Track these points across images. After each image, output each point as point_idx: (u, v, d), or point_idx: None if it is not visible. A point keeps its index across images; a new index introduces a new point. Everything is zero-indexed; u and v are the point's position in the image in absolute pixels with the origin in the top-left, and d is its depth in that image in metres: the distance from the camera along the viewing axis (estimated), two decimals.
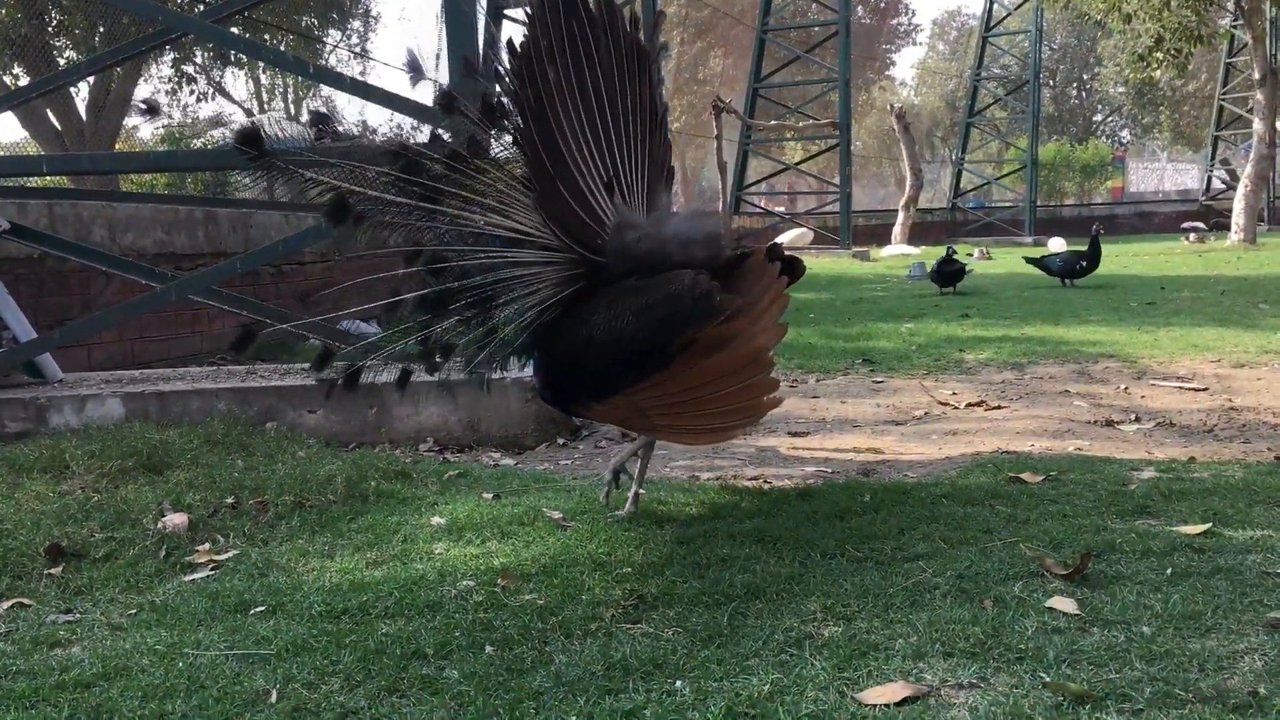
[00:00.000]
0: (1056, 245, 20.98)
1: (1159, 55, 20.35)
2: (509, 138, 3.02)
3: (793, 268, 2.85)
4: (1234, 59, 28.07)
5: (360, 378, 3.11)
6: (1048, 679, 1.92)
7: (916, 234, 23.77)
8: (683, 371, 2.71)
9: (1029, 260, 12.71)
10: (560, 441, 4.75)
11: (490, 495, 3.53)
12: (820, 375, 6.50)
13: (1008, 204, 30.81)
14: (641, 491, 3.32)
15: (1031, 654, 2.04)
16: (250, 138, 2.81)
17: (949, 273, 11.37)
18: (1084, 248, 12.00)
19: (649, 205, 3.07)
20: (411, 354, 3.05)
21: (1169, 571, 2.47)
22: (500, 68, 3.01)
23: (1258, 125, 20.39)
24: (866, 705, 1.86)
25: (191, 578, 2.81)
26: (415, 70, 3.10)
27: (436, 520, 3.23)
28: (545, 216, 2.92)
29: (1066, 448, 4.23)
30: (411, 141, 3.01)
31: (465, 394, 4.73)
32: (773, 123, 24.56)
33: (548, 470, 4.14)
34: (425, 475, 3.86)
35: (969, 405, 5.34)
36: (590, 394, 2.96)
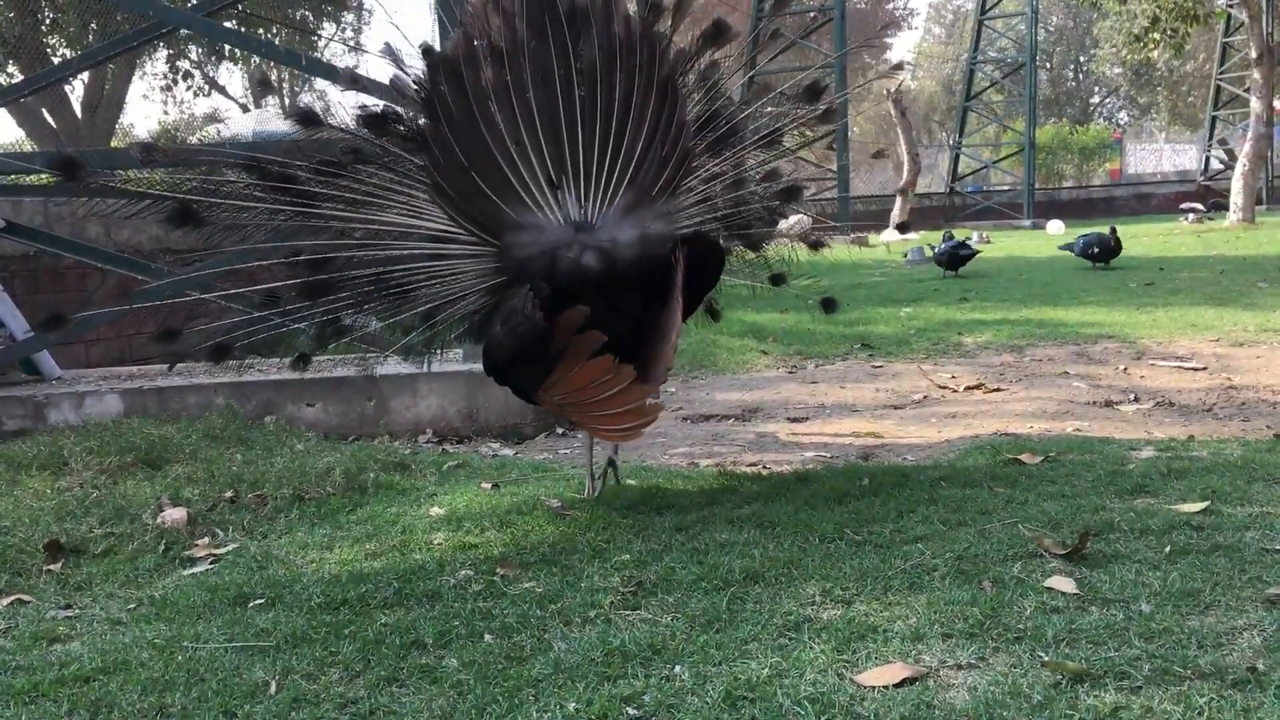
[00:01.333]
0: (1055, 228, 20.94)
1: (1155, 36, 20.27)
2: (405, 141, 3.06)
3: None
4: (1231, 38, 27.94)
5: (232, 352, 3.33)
6: (1046, 658, 1.91)
7: (915, 219, 23.71)
8: (561, 377, 2.81)
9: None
10: (559, 431, 4.75)
11: (489, 485, 3.53)
12: (819, 361, 6.50)
13: (1006, 187, 30.73)
14: (598, 483, 3.42)
15: (1030, 634, 2.04)
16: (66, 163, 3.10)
17: (963, 256, 11.37)
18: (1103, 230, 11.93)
19: (631, 204, 3.01)
20: (299, 332, 3.24)
21: (1167, 549, 2.46)
22: (407, 75, 3.07)
23: (1255, 104, 20.30)
24: (865, 687, 1.86)
25: (190, 571, 2.81)
26: (396, 61, 3.12)
27: (435, 511, 3.23)
28: (453, 214, 2.99)
29: (1065, 429, 4.23)
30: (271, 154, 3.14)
31: (464, 385, 4.73)
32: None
33: (547, 460, 4.14)
34: (424, 466, 3.85)
35: (968, 388, 5.34)
36: (524, 387, 3.08)
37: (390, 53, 3.10)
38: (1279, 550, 2.42)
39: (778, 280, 3.74)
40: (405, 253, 3.07)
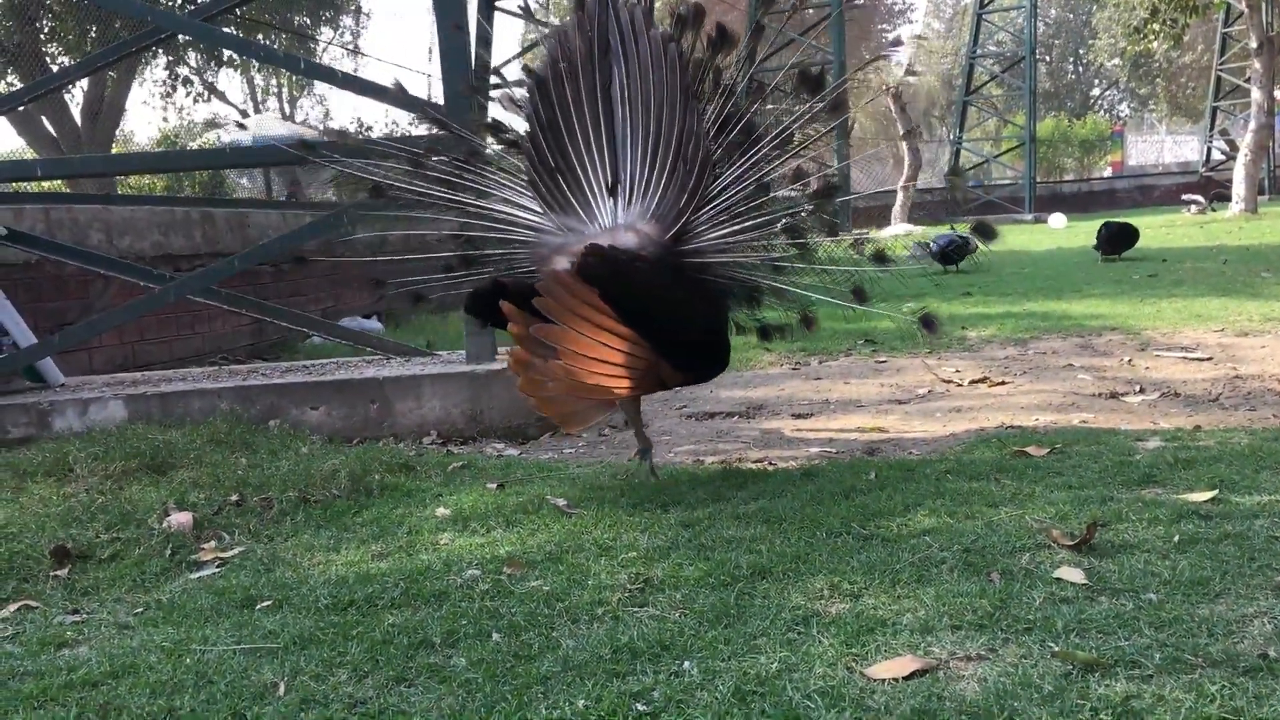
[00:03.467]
0: (1057, 222, 20.93)
1: (1155, 27, 20.27)
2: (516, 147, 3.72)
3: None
4: (1230, 29, 27.92)
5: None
6: (1056, 648, 1.91)
7: (917, 213, 23.70)
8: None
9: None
10: (564, 430, 4.75)
11: (494, 485, 3.53)
12: (823, 357, 6.49)
13: (1007, 181, 30.72)
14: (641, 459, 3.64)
15: (1040, 624, 2.03)
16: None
17: (958, 251, 11.33)
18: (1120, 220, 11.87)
19: (660, 207, 3.31)
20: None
21: (1176, 539, 2.45)
22: (513, 94, 3.82)
23: (1256, 94, 20.30)
24: (875, 680, 1.86)
25: (197, 575, 2.81)
26: (406, 99, 3.53)
27: (441, 511, 3.23)
28: (547, 209, 3.44)
29: (1071, 421, 4.22)
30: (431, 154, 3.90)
31: (468, 386, 4.72)
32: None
33: (552, 459, 4.14)
34: (429, 467, 3.85)
35: (972, 382, 5.33)
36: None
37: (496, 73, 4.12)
38: None
39: (860, 296, 3.56)
40: (514, 238, 3.57)
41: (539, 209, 3.47)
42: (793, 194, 3.60)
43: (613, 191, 3.35)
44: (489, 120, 3.88)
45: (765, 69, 3.75)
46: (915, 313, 3.53)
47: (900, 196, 22.24)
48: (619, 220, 3.31)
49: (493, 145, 3.87)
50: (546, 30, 3.97)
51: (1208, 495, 2.77)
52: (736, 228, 3.39)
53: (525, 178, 3.52)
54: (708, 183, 3.34)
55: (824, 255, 3.59)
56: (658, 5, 3.55)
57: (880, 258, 3.54)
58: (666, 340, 3.18)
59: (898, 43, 21.53)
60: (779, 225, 3.50)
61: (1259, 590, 2.13)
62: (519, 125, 3.74)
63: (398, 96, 4.62)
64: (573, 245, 3.19)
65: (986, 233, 3.60)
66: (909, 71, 21.69)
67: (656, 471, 3.58)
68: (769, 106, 3.69)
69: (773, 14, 4.01)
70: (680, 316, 3.24)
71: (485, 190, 3.64)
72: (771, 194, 3.55)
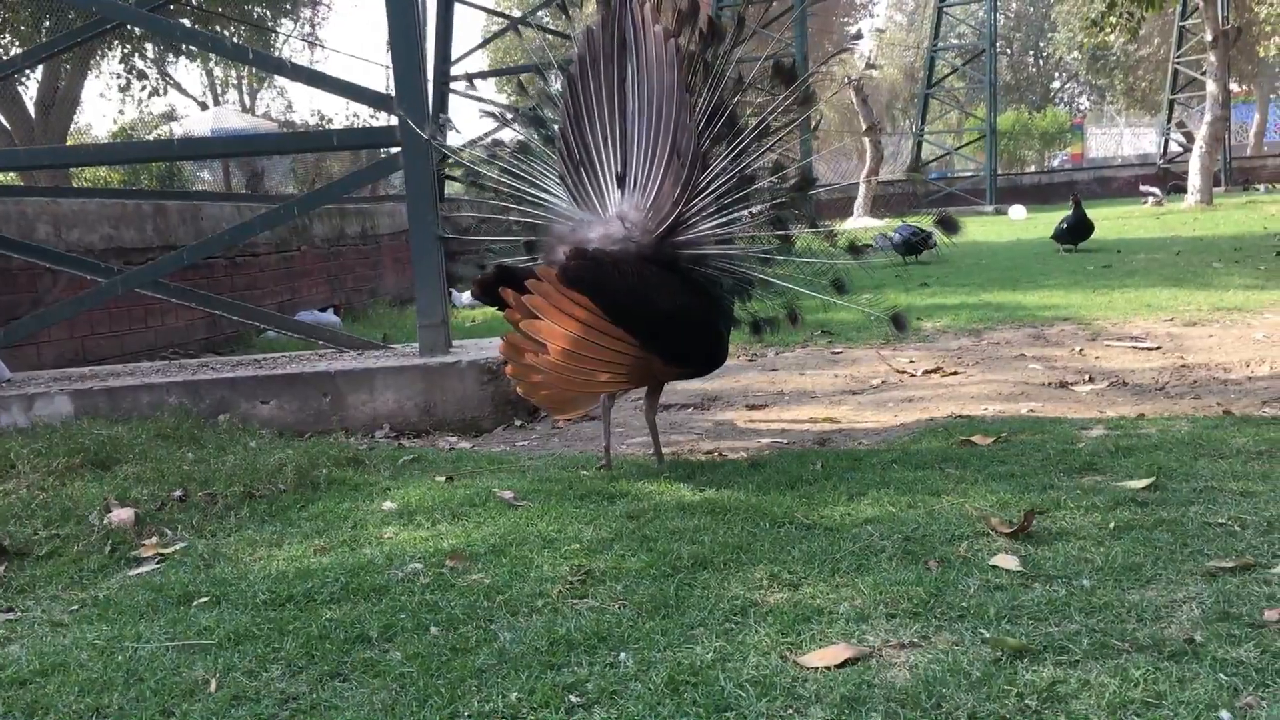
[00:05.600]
0: (1018, 213, 21.10)
1: (1112, 20, 20.45)
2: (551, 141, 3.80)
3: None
4: (1186, 22, 28.22)
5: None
6: (988, 635, 1.92)
7: (879, 206, 23.81)
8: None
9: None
10: (518, 423, 4.74)
11: (443, 479, 3.51)
12: (779, 348, 6.51)
13: (969, 173, 30.92)
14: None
15: (973, 611, 2.05)
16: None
17: (919, 243, 11.40)
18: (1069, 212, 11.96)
19: (658, 198, 3.39)
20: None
21: (1112, 525, 2.48)
22: (550, 91, 4.01)
23: (1211, 87, 20.53)
24: (808, 668, 1.86)
25: (136, 572, 2.78)
26: (354, 90, 3.58)
27: (388, 505, 3.20)
28: (573, 198, 3.57)
29: (1020, 410, 4.26)
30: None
31: (421, 379, 4.70)
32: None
33: (504, 452, 4.13)
34: (378, 461, 3.83)
35: (926, 372, 5.37)
36: None
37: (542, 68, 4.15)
38: (1221, 524, 2.45)
39: (840, 288, 3.63)
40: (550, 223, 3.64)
41: (566, 199, 3.60)
42: (773, 186, 3.66)
43: (620, 182, 3.47)
44: (533, 113, 4.00)
45: (743, 61, 3.78)
46: (886, 310, 3.59)
47: (863, 189, 22.33)
48: (620, 211, 3.42)
49: (535, 140, 3.95)
50: (576, 31, 4.02)
51: (1145, 482, 2.81)
52: (725, 219, 3.47)
53: (557, 170, 3.66)
54: (698, 174, 3.41)
55: (803, 247, 3.65)
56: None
57: (854, 249, 3.61)
58: (657, 335, 3.26)
59: (859, 36, 21.59)
60: (763, 217, 3.59)
61: (1189, 576, 2.16)
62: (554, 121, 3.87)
63: (344, 87, 4.57)
64: (571, 235, 3.40)
65: (950, 226, 3.64)
66: (869, 65, 21.76)
67: (611, 464, 3.59)
68: (748, 99, 3.75)
69: (754, 2, 4.02)
70: (669, 311, 3.30)
71: (535, 180, 3.75)
72: (755, 186, 3.60)
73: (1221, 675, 1.71)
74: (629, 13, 3.53)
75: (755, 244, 3.58)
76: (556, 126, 3.72)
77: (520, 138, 3.96)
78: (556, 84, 3.94)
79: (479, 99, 4.27)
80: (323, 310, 8.64)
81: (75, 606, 2.53)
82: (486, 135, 4.47)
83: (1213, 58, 20.52)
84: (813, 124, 3.90)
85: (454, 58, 12.31)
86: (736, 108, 3.66)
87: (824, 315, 7.50)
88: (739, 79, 3.71)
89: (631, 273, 3.20)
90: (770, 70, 3.72)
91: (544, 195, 3.69)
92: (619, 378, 3.36)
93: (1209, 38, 20.59)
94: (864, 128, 23.63)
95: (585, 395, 3.48)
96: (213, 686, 1.96)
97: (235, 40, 21.32)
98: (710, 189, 3.45)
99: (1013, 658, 1.83)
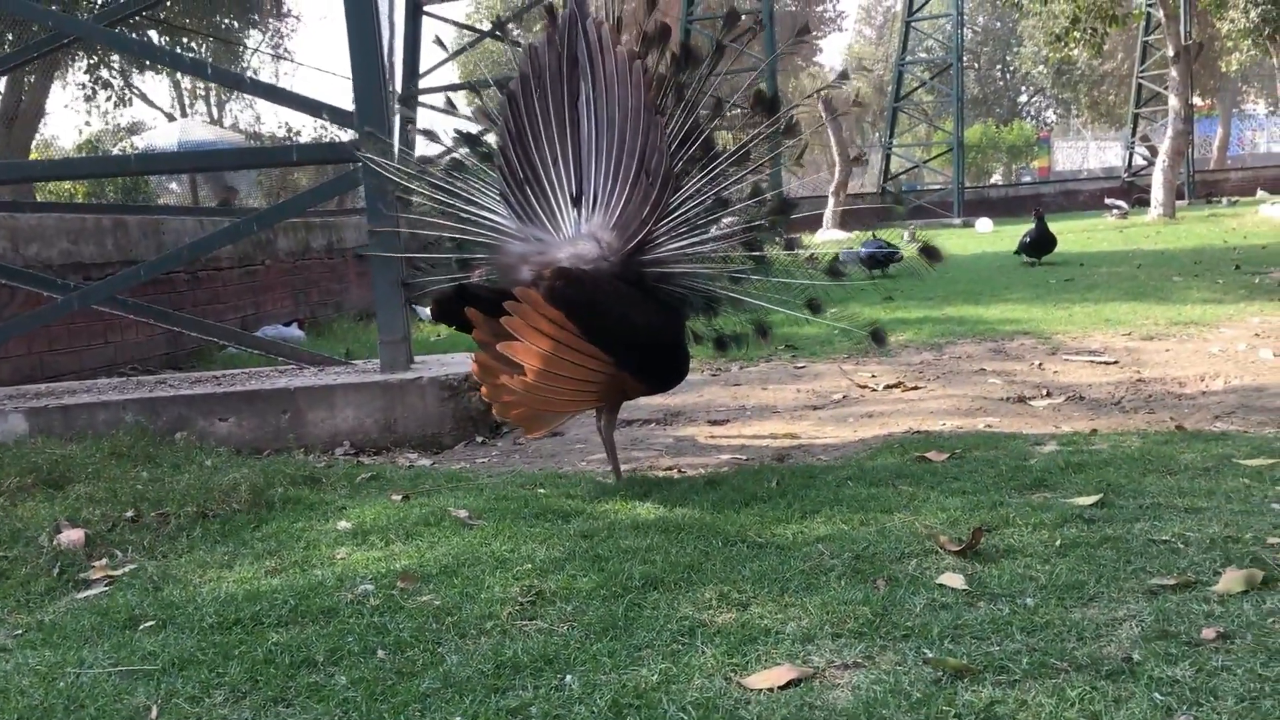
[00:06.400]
0: (984, 226, 21.28)
1: (1076, 35, 20.71)
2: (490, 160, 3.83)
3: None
4: (1149, 37, 28.60)
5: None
6: (930, 655, 1.94)
7: (849, 220, 23.95)
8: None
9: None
10: (479, 440, 4.73)
11: (400, 497, 3.49)
12: (743, 363, 6.53)
13: (937, 186, 31.18)
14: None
15: (918, 631, 2.06)
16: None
17: (884, 258, 11.46)
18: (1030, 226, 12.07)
19: (622, 217, 3.40)
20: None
21: (1058, 543, 2.51)
22: (487, 109, 4.00)
23: (1173, 102, 20.82)
24: (751, 690, 1.87)
25: (84, 595, 2.75)
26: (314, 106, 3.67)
27: (342, 525, 3.19)
28: (516, 217, 3.56)
29: (977, 425, 4.29)
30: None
31: (381, 395, 4.68)
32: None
33: (463, 469, 4.11)
34: (335, 479, 3.80)
35: (887, 387, 5.40)
36: None
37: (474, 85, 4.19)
38: (1165, 541, 2.48)
39: (814, 308, 3.70)
40: (492, 243, 3.66)
41: (508, 217, 3.59)
42: (750, 209, 3.69)
43: (576, 202, 3.47)
44: (466, 133, 4.04)
45: (724, 85, 3.83)
46: (866, 326, 3.65)
47: (831, 203, 22.46)
48: (581, 230, 3.43)
49: (470, 157, 4.00)
50: (520, 46, 4.14)
51: (1094, 499, 2.84)
52: (696, 239, 3.50)
53: (497, 188, 3.65)
54: (669, 195, 3.44)
55: (780, 268, 3.69)
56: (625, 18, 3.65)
57: (834, 272, 3.66)
58: (629, 353, 3.30)
59: (845, 76, 21.80)
60: (737, 238, 3.61)
61: (1131, 594, 2.18)
62: (492, 138, 3.91)
63: (304, 102, 4.56)
64: (535, 255, 3.39)
65: (933, 255, 3.68)
66: (840, 76, 21.92)
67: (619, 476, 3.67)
68: (727, 123, 3.79)
69: (730, 33, 4.08)
70: (642, 328, 3.35)
71: (470, 198, 3.76)
72: (730, 208, 3.65)
73: (1157, 694, 1.73)
74: (581, 32, 3.54)
75: (728, 264, 3.61)
76: (495, 144, 3.74)
77: (455, 155, 4.00)
78: (492, 102, 3.97)
79: (411, 119, 4.30)
80: (286, 325, 8.59)
81: (20, 631, 2.50)
82: (421, 154, 4.50)
83: (1175, 73, 20.82)
84: (797, 154, 3.96)
85: (421, 71, 12.32)
86: (713, 132, 3.70)
87: (789, 330, 7.53)
88: (718, 103, 3.74)
89: (611, 291, 3.24)
90: (753, 98, 3.77)
91: (483, 213, 3.68)
92: (592, 396, 3.40)
93: (1171, 53, 20.89)
94: (852, 156, 23.87)
95: (556, 414, 3.51)
96: (154, 713, 1.95)
97: (204, 53, 21.24)
98: (682, 210, 3.48)
99: (953, 678, 1.84)
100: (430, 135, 4.26)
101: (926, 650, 1.96)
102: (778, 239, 3.70)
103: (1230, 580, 2.18)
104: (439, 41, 6.22)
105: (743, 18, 4.58)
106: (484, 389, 3.24)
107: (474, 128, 4.07)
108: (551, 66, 3.57)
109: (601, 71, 3.52)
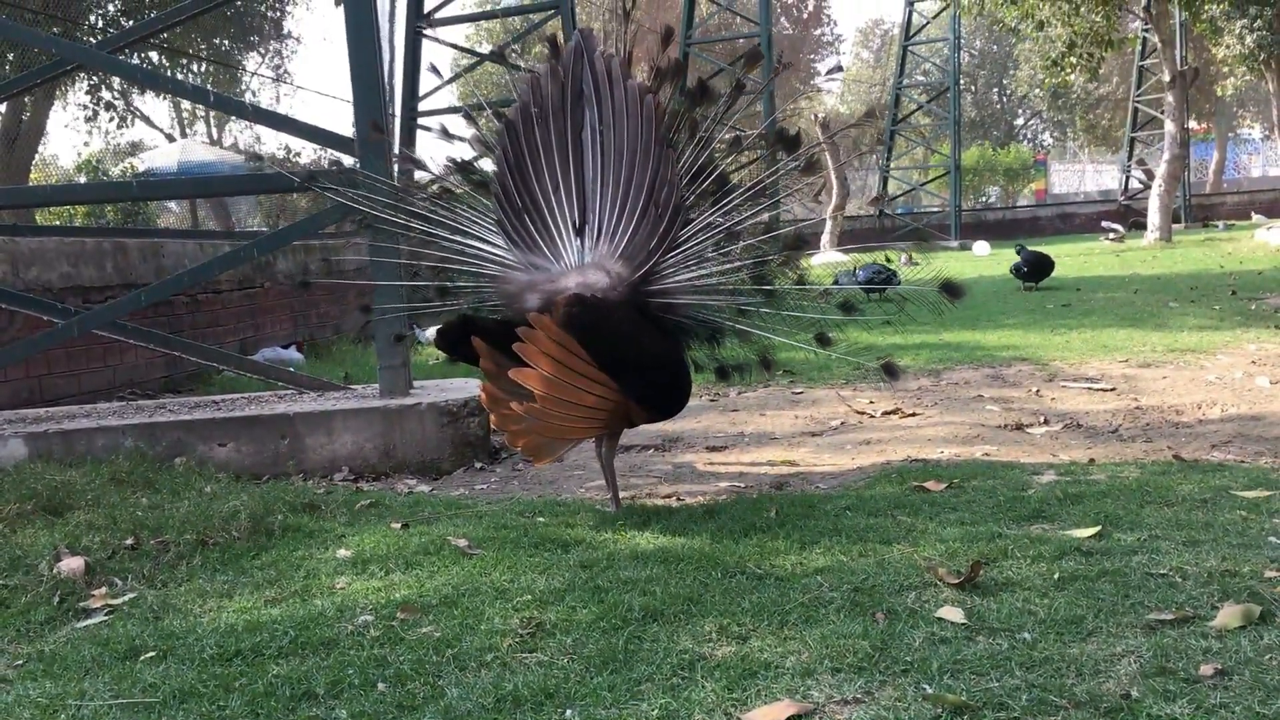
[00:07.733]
0: (981, 249, 21.34)
1: (1072, 60, 20.84)
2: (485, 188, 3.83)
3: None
4: (1145, 62, 28.79)
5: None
6: (930, 690, 1.94)
7: (846, 241, 24.03)
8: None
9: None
10: (478, 465, 4.73)
11: (399, 525, 3.50)
12: (741, 388, 6.54)
13: (935, 209, 31.31)
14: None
15: (917, 666, 2.07)
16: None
17: (881, 282, 11.51)
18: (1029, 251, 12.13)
19: (629, 247, 3.42)
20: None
21: (1056, 576, 2.52)
22: (483, 137, 4.06)
23: (1169, 126, 20.95)
24: None
25: (85, 624, 2.75)
26: (315, 133, 3.69)
27: (342, 553, 3.19)
28: (513, 246, 3.57)
29: (975, 453, 4.30)
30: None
31: (381, 421, 4.69)
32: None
33: (462, 496, 4.12)
34: (335, 506, 3.81)
35: (885, 413, 5.41)
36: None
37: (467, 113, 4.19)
38: (1163, 575, 2.49)
39: (824, 341, 3.67)
40: (484, 273, 3.69)
41: (505, 246, 3.60)
42: (762, 244, 3.70)
43: (580, 231, 3.49)
44: (458, 161, 4.04)
45: (741, 122, 3.85)
46: (878, 359, 3.63)
47: (829, 224, 22.51)
48: (586, 259, 3.45)
49: (462, 185, 4.00)
50: (520, 74, 4.15)
51: (1091, 531, 2.85)
52: (704, 271, 3.53)
53: (493, 216, 3.67)
54: (678, 227, 3.46)
55: (791, 303, 3.68)
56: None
57: (847, 307, 3.65)
58: (635, 380, 3.34)
59: (838, 68, 21.94)
60: (746, 272, 3.62)
61: (1129, 629, 2.19)
62: (487, 166, 3.95)
63: (305, 129, 4.59)
64: (543, 283, 3.40)
65: (955, 292, 3.69)
66: (833, 69, 22.02)
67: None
68: (742, 159, 3.85)
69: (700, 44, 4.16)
70: (648, 356, 3.39)
71: (457, 226, 3.77)
72: (742, 242, 3.66)
73: None
74: (588, 64, 3.57)
75: (737, 297, 3.63)
76: (492, 172, 3.74)
77: (446, 184, 4.01)
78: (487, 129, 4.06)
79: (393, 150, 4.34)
80: (285, 347, 8.60)
81: (20, 661, 2.50)
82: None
83: (1170, 98, 20.95)
84: (815, 191, 3.99)
85: (421, 94, 12.39)
86: (727, 167, 3.73)
87: (786, 355, 7.55)
88: (734, 140, 3.76)
89: (623, 319, 3.28)
90: (774, 136, 3.79)
91: (475, 244, 3.69)
92: (599, 423, 3.43)
93: (1167, 78, 21.03)
94: (871, 198, 24.01)
95: (563, 441, 3.52)
96: None
97: (204, 76, 21.32)
98: (691, 243, 3.50)
99: (953, 714, 1.85)
100: (417, 163, 4.32)
101: (926, 686, 1.97)
102: (789, 273, 3.71)
103: (1228, 615, 2.19)
104: (434, 68, 6.26)
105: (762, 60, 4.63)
106: (494, 419, 3.27)
107: (468, 153, 4.10)
108: (554, 97, 3.59)
109: (610, 103, 3.54)
